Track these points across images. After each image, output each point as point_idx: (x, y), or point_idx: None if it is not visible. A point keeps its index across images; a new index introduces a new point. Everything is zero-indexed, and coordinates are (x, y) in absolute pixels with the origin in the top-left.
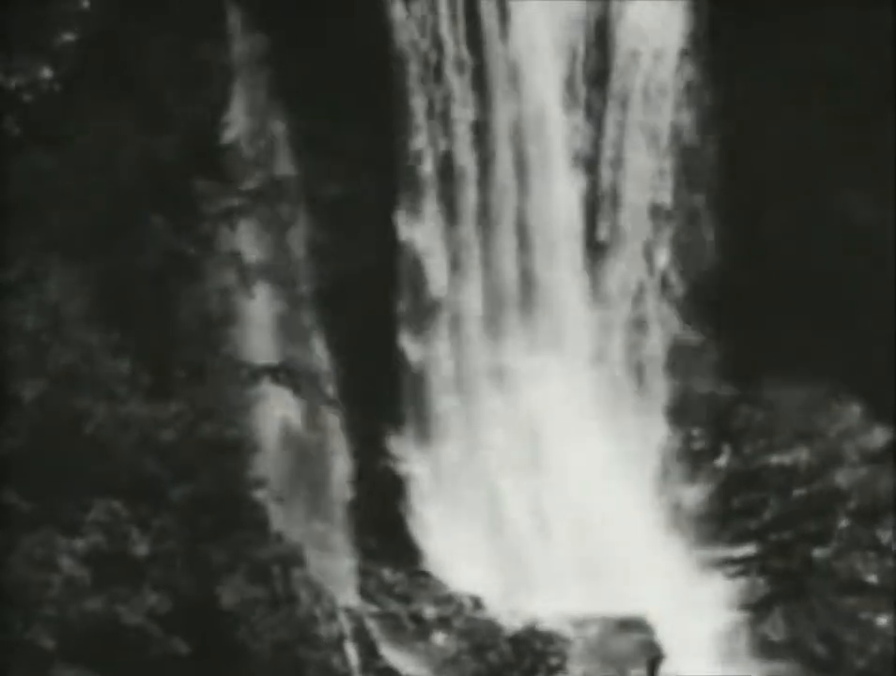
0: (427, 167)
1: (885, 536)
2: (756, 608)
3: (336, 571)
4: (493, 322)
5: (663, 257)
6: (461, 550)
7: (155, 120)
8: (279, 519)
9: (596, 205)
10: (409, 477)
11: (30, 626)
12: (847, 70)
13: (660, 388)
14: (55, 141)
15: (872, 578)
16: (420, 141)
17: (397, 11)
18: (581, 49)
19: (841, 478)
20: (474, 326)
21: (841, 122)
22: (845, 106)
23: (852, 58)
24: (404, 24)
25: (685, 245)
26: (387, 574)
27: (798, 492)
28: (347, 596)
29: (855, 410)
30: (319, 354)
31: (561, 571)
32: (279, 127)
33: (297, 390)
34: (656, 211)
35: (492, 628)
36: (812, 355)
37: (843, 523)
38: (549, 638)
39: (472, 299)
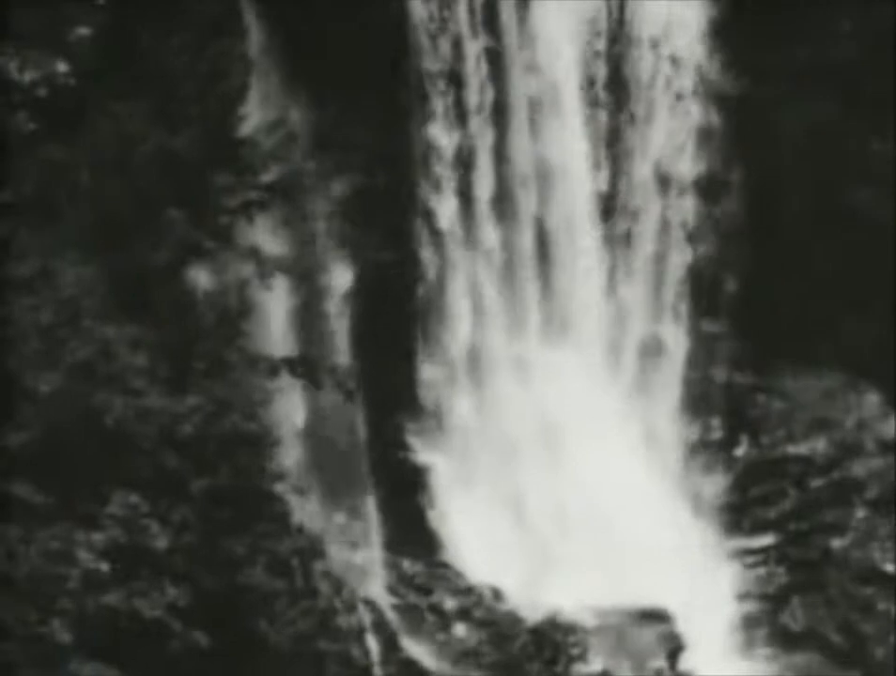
0: (444, 158)
1: None
2: (774, 598)
3: (356, 563)
4: (512, 315)
5: (680, 248)
6: (481, 541)
7: (171, 114)
8: (299, 512)
9: (614, 195)
10: (429, 468)
11: (47, 620)
12: (857, 65)
13: (678, 378)
14: (70, 136)
15: (890, 568)
16: (436, 131)
17: (414, 2)
18: (602, 35)
19: (859, 468)
20: (494, 318)
21: (853, 115)
22: (856, 101)
23: (861, 52)
24: (420, 14)
25: (702, 235)
26: (407, 565)
27: (816, 482)
28: (367, 588)
29: (872, 400)
30: (338, 346)
31: (580, 562)
32: (296, 119)
33: (316, 382)
34: (673, 201)
35: (512, 619)
36: (830, 344)
37: (861, 513)
38: (570, 629)
39: (491, 291)
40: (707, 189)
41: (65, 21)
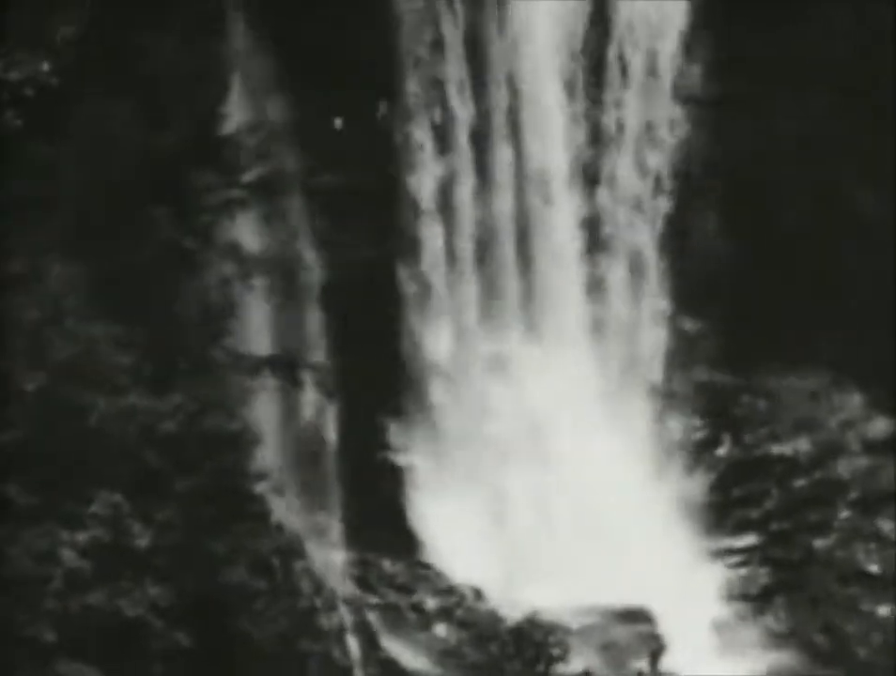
0: (427, 158)
1: (886, 526)
2: (757, 599)
3: (337, 562)
4: (493, 313)
5: (662, 245)
6: (462, 541)
7: (154, 113)
8: (280, 511)
9: (593, 196)
10: (410, 468)
11: (32, 620)
12: (850, 62)
13: (661, 377)
14: (55, 134)
15: (874, 568)
16: (418, 131)
17: (396, 3)
18: (579, 38)
19: (843, 468)
20: (476, 316)
21: (846, 113)
22: (850, 98)
23: (854, 49)
24: (403, 15)
25: (685, 235)
26: (387, 565)
27: (799, 482)
28: (348, 588)
29: (856, 400)
30: (320, 345)
31: (562, 561)
32: (279, 118)
33: (297, 381)
34: (654, 200)
35: (493, 619)
36: (814, 344)
37: (844, 513)
38: (551, 629)
39: (471, 291)
40: (696, 186)
41: (50, 20)
